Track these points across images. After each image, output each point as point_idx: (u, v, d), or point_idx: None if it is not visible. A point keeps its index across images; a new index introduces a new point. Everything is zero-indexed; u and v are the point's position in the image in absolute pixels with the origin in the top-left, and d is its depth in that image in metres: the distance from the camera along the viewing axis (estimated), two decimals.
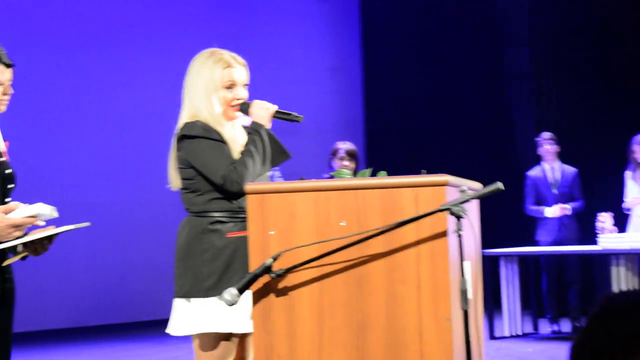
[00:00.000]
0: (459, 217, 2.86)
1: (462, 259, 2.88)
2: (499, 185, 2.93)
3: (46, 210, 3.17)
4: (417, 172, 3.16)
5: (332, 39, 12.36)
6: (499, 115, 12.19)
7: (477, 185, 3.27)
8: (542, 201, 8.94)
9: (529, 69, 11.85)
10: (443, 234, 2.94)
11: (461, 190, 2.91)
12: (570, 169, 8.98)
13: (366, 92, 12.55)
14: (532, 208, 8.97)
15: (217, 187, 3.50)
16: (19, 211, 3.16)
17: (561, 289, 9.06)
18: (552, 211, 8.80)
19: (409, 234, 2.95)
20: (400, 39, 12.40)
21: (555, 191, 8.88)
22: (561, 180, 8.92)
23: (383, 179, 3.05)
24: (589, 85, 11.34)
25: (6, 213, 3.13)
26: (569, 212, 8.81)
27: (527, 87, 11.94)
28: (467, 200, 2.89)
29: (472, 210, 3.21)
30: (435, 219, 2.93)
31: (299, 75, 11.89)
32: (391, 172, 3.20)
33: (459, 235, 2.87)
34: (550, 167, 8.96)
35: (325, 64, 12.26)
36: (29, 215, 3.14)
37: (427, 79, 12.32)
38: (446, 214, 2.91)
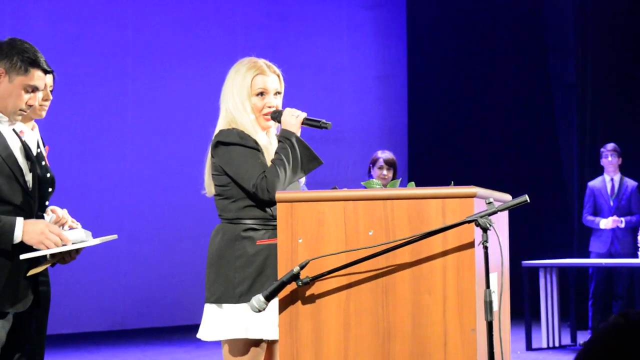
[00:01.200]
0: (485, 229, 2.87)
1: (487, 271, 2.89)
2: (525, 197, 2.94)
3: (84, 240, 3.28)
4: (458, 182, 3.19)
5: (379, 48, 12.39)
6: (543, 125, 12.13)
7: (505, 196, 3.28)
8: (598, 212, 8.92)
9: (573, 80, 11.77)
10: (469, 245, 2.95)
11: (488, 202, 2.93)
12: (632, 182, 8.95)
13: (411, 101, 12.56)
14: (589, 218, 8.97)
15: (250, 194, 3.55)
16: (69, 233, 3.26)
17: (607, 301, 9.01)
18: (606, 223, 8.78)
19: (435, 244, 2.97)
20: (445, 49, 12.39)
21: (612, 203, 8.87)
22: (619, 193, 8.89)
23: (411, 189, 3.07)
24: (634, 96, 11.25)
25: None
26: (622, 225, 8.78)
27: (571, 97, 11.87)
28: (493, 212, 2.90)
29: (500, 221, 3.22)
30: (462, 230, 2.95)
31: (345, 84, 11.94)
32: (433, 182, 3.22)
33: (485, 247, 2.88)
34: (610, 178, 8.94)
35: (372, 72, 12.30)
36: (63, 251, 3.24)
37: (471, 88, 12.30)
38: (473, 225, 2.92)
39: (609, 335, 1.51)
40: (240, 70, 3.69)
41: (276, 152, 3.59)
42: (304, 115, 3.67)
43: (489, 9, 12.30)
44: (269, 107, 3.68)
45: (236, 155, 3.56)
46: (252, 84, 3.66)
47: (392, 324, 2.98)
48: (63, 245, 3.20)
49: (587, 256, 9.12)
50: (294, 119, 3.65)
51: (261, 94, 3.67)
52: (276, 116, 3.69)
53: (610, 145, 9.00)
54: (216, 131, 3.67)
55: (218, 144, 3.60)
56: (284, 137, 3.61)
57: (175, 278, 10.58)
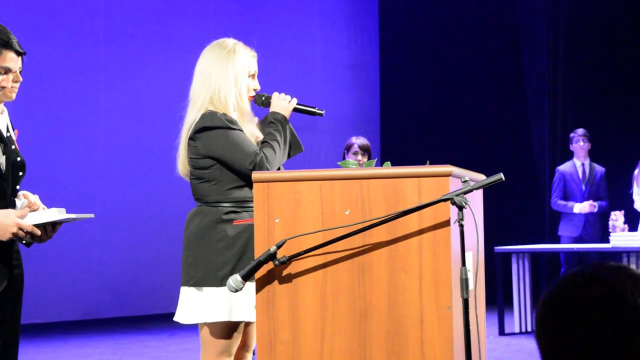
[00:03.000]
0: (461, 207, 2.88)
1: (463, 249, 2.90)
2: (501, 175, 2.95)
3: (58, 216, 3.22)
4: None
5: (351, 36, 12.39)
6: (515, 112, 12.21)
7: (480, 176, 3.30)
8: (569, 197, 8.98)
9: (545, 67, 11.85)
10: (445, 224, 2.96)
11: (464, 180, 2.94)
12: (599, 168, 9.02)
13: (383, 89, 12.58)
14: (560, 203, 9.01)
15: (243, 174, 3.52)
16: (32, 216, 3.21)
17: None
18: (581, 207, 8.84)
19: (411, 223, 2.98)
20: (417, 37, 12.42)
21: (584, 188, 8.94)
22: (591, 178, 8.97)
23: (387, 169, 3.08)
24: (605, 84, 11.34)
25: (20, 217, 3.20)
26: (596, 210, 8.86)
27: (543, 84, 11.95)
28: (469, 191, 2.91)
29: (475, 201, 3.24)
30: (438, 208, 2.96)
31: (317, 72, 11.94)
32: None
33: (461, 225, 2.89)
34: (581, 163, 9.00)
35: (344, 61, 12.30)
36: (38, 223, 3.20)
37: (443, 76, 12.34)
38: (448, 203, 2.93)
39: (575, 286, 1.47)
40: (238, 50, 3.65)
41: (269, 133, 3.60)
42: (295, 101, 3.69)
43: None
44: (254, 89, 3.69)
45: (226, 138, 3.53)
46: (250, 64, 3.67)
47: (368, 302, 2.99)
48: (37, 223, 3.17)
49: (558, 241, 9.18)
50: (286, 103, 3.67)
51: (253, 76, 3.69)
52: (263, 100, 3.69)
53: (581, 131, 9.08)
54: (194, 115, 3.62)
55: (203, 129, 3.56)
56: (277, 120, 3.63)
57: (148, 266, 10.54)
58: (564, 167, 9.12)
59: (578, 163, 9.03)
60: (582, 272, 1.47)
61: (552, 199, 9.12)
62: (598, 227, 8.95)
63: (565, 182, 9.02)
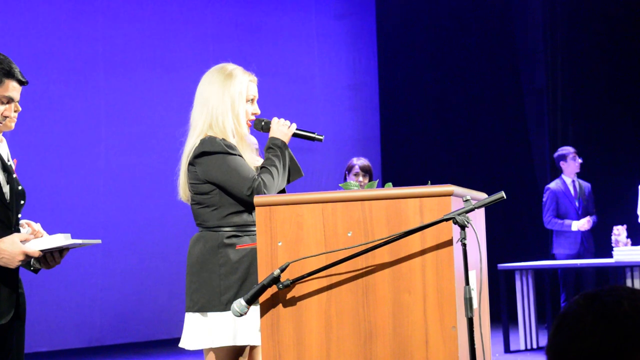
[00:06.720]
0: (463, 226, 2.89)
1: (466, 268, 2.90)
2: (502, 194, 2.96)
3: (64, 242, 3.23)
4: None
5: (350, 58, 12.43)
6: (515, 130, 12.22)
7: (481, 195, 3.30)
8: (564, 214, 8.96)
9: (544, 84, 11.87)
10: (448, 243, 2.97)
11: (465, 199, 2.94)
12: (586, 184, 9.03)
13: (383, 109, 12.61)
14: (555, 221, 8.98)
15: (241, 200, 3.53)
16: (39, 242, 3.22)
17: None
18: (580, 225, 8.81)
19: (414, 243, 2.99)
20: (416, 56, 12.46)
21: (577, 204, 8.93)
22: (582, 194, 8.97)
23: (388, 190, 3.08)
24: (603, 101, 11.36)
25: (24, 242, 3.21)
26: (590, 226, 8.86)
27: (542, 101, 11.97)
28: (471, 210, 2.92)
29: (477, 219, 3.24)
30: (440, 228, 2.96)
31: (317, 93, 11.97)
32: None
33: (464, 245, 2.90)
34: (572, 180, 9.00)
35: (344, 82, 12.34)
36: (45, 249, 3.21)
37: (443, 95, 12.37)
38: (451, 223, 2.94)
39: (578, 305, 1.56)
40: (235, 75, 3.66)
41: (268, 158, 3.61)
42: (294, 126, 3.70)
43: (459, 16, 12.38)
44: (254, 114, 3.70)
45: (225, 163, 3.55)
46: (248, 89, 3.67)
47: (373, 324, 2.99)
48: (44, 249, 3.18)
49: (554, 259, 9.17)
50: (285, 129, 3.67)
51: (252, 100, 3.70)
52: (262, 125, 3.70)
53: (571, 148, 9.10)
54: (194, 140, 3.64)
55: (202, 154, 3.57)
56: (276, 145, 3.63)
57: (152, 292, 10.52)
58: (554, 186, 9.07)
59: (568, 180, 9.01)
60: (586, 294, 1.58)
61: (546, 217, 9.05)
62: (593, 242, 8.97)
63: (558, 200, 8.99)
